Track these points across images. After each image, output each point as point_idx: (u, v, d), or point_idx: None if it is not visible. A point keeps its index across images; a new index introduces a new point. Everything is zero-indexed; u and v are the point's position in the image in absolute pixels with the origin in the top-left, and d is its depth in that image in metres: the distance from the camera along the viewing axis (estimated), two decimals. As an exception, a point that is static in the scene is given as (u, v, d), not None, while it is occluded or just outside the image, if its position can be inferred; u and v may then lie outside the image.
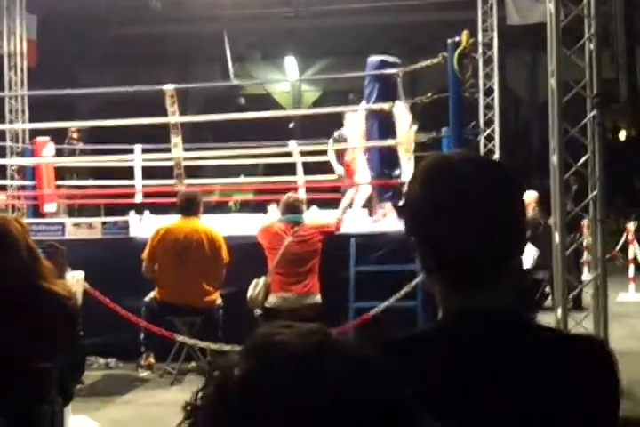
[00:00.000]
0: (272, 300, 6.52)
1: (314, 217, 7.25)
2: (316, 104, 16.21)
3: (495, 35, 9.49)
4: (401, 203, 8.18)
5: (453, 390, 1.15)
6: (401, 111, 7.86)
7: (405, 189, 1.30)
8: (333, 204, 9.03)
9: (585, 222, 9.45)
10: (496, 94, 9.40)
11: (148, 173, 10.08)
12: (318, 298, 6.54)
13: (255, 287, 6.54)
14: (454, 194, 1.21)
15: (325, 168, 10.40)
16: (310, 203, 8.75)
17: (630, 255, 11.31)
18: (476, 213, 1.20)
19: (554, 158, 5.70)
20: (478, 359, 1.17)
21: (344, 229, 6.98)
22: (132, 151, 10.03)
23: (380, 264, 6.54)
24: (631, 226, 11.82)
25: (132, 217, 8.53)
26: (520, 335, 1.22)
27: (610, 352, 1.24)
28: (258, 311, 6.53)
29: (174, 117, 8.53)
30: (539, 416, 1.14)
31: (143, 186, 9.76)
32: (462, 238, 1.20)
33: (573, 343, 1.26)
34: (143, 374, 6.49)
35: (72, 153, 11.35)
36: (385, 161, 8.04)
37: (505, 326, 1.22)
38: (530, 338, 1.22)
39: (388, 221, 8.05)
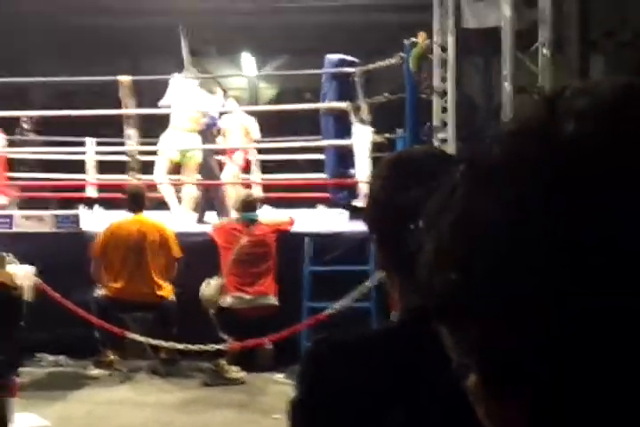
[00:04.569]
0: (228, 300, 6.48)
1: (269, 216, 7.25)
2: (272, 102, 16.15)
3: (451, 37, 9.55)
4: (355, 202, 8.23)
5: (418, 383, 1.16)
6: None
7: (368, 186, 1.30)
8: (287, 203, 9.03)
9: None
10: (450, 97, 9.48)
11: (104, 166, 9.96)
12: (274, 299, 6.51)
13: (208, 287, 6.50)
14: (415, 191, 1.19)
15: (279, 166, 10.41)
16: (264, 202, 8.74)
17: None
18: None
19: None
20: (439, 355, 1.19)
21: (299, 229, 6.99)
22: (84, 144, 9.89)
23: (335, 264, 6.57)
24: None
25: (82, 211, 8.43)
26: None
27: None
28: (212, 311, 6.50)
29: (130, 109, 8.43)
30: None
31: (96, 179, 9.63)
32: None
33: None
34: (93, 371, 6.42)
35: (23, 144, 11.14)
36: (340, 160, 8.07)
37: None
38: None
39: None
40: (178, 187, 8.56)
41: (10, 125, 10.72)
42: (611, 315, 0.42)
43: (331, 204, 8.80)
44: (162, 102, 8.50)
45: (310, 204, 9.72)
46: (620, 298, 0.42)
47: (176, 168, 8.60)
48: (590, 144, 0.44)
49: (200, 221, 8.07)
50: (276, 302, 6.51)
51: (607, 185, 0.43)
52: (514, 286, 0.44)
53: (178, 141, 8.26)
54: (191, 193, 8.47)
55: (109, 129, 10.09)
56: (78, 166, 10.02)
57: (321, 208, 9.20)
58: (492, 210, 0.45)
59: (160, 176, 8.31)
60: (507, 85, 7.41)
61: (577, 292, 0.43)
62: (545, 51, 7.24)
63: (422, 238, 0.51)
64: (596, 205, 0.43)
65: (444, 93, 8.88)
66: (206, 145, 8.50)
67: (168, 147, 8.29)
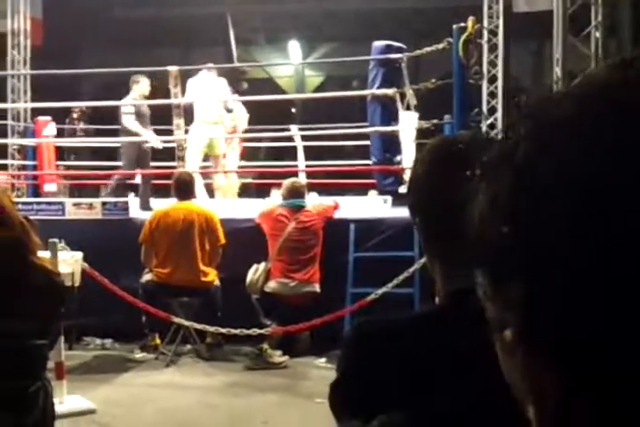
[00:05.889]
0: (272, 285, 6.49)
1: (315, 203, 7.21)
2: (318, 89, 16.10)
3: (501, 22, 9.40)
4: (401, 189, 8.16)
5: (456, 367, 1.14)
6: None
7: (411, 171, 1.28)
8: (332, 190, 9.00)
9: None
10: (500, 82, 9.34)
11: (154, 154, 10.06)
12: (317, 287, 6.50)
13: (255, 273, 6.51)
14: (458, 176, 1.20)
15: (326, 152, 10.39)
16: (310, 188, 8.72)
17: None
18: None
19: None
20: (478, 337, 1.16)
21: (344, 215, 6.95)
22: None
23: (379, 250, 6.52)
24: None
25: (131, 198, 8.52)
26: None
27: None
28: (255, 296, 6.52)
29: (177, 99, 8.49)
30: None
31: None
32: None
33: None
34: (139, 355, 6.50)
35: (73, 133, 11.32)
36: (387, 146, 8.00)
37: None
38: None
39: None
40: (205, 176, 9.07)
41: (60, 116, 10.89)
42: None
43: (381, 190, 8.75)
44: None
45: (360, 191, 9.68)
46: None
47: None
48: None
49: (145, 207, 8.11)
50: (318, 290, 6.50)
51: None
52: (571, 244, 0.43)
53: (204, 134, 8.68)
54: (221, 182, 9.21)
55: (159, 119, 10.16)
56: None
57: (372, 194, 9.17)
58: (556, 167, 0.44)
59: (193, 168, 8.48)
60: (557, 70, 7.26)
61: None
62: (597, 34, 7.07)
63: (474, 188, 0.51)
64: None
65: (493, 78, 8.75)
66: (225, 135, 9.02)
67: (197, 139, 8.71)
